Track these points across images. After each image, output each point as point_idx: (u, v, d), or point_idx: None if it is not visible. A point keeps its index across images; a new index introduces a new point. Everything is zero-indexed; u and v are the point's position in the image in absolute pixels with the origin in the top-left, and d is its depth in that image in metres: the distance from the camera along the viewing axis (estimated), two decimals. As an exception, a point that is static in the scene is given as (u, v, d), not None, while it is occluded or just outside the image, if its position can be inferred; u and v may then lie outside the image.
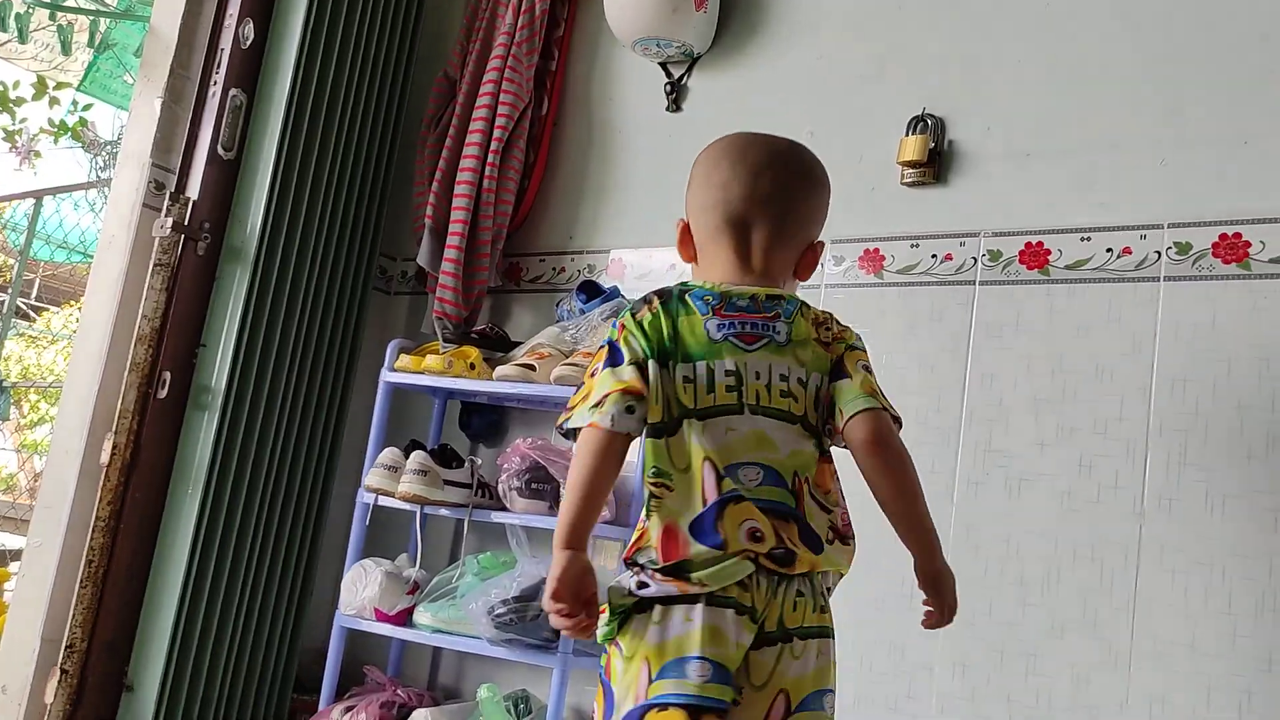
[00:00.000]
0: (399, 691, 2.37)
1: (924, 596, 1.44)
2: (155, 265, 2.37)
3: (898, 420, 1.40)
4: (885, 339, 2.16)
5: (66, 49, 4.50)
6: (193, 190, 2.44)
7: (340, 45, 2.58)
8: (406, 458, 2.37)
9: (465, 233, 2.56)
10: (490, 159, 2.58)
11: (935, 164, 2.16)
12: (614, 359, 1.37)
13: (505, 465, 2.32)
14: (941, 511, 2.03)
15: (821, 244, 1.51)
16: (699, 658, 1.25)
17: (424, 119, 2.80)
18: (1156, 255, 1.94)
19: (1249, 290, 1.85)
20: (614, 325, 1.41)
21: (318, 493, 2.60)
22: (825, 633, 1.32)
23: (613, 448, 1.34)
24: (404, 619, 2.33)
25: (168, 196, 2.40)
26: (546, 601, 1.30)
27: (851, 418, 1.35)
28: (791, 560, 1.29)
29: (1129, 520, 1.88)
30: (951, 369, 2.09)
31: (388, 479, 2.36)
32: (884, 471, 1.36)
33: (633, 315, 1.41)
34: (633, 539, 1.35)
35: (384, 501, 2.39)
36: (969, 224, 2.13)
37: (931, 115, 2.19)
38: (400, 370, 2.48)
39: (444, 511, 2.37)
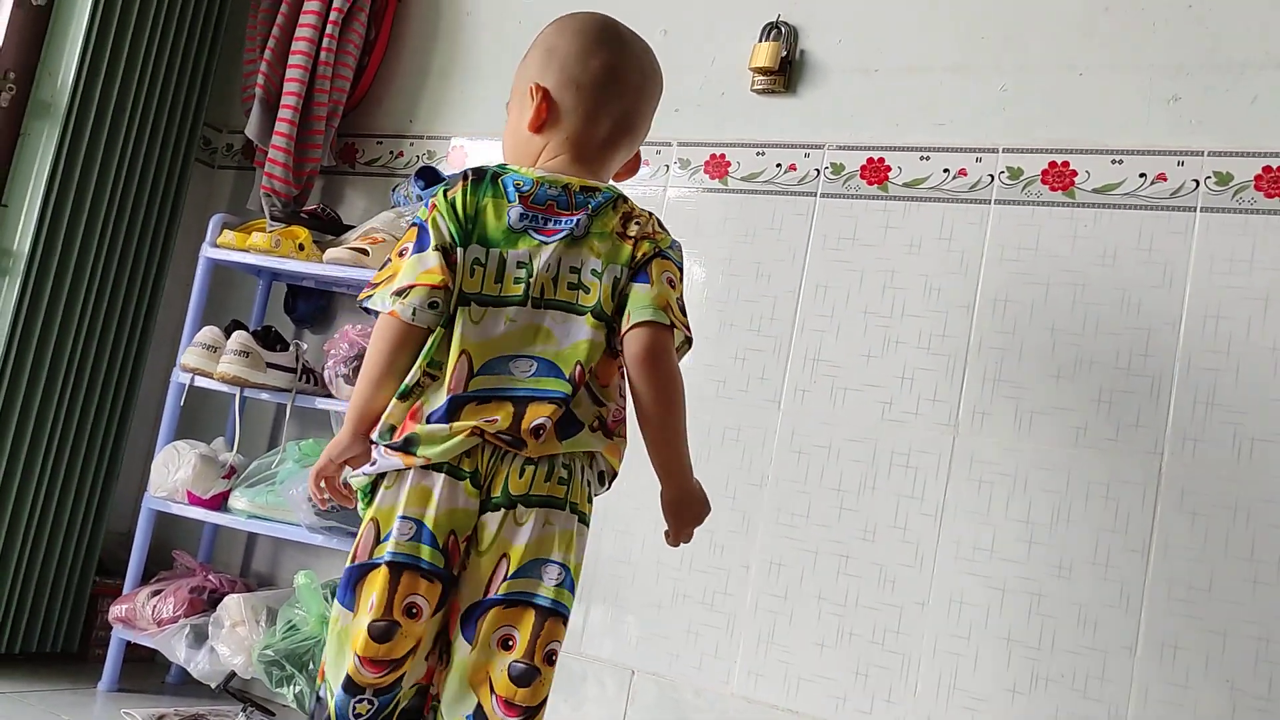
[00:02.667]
0: (210, 577, 2.30)
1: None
2: (-49, 114, 2.18)
3: (689, 340, 1.38)
4: (725, 245, 2.18)
5: None
6: (-4, 35, 2.25)
7: (169, -110, 2.40)
8: (227, 338, 2.27)
9: (298, 106, 2.44)
10: (329, 30, 2.46)
11: (786, 73, 2.17)
12: (421, 243, 1.35)
13: (332, 351, 2.25)
14: (768, 417, 2.08)
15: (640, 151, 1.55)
16: (403, 517, 1.28)
17: (259, -20, 2.64)
18: (990, 178, 2.00)
19: (1071, 218, 1.93)
20: (426, 203, 1.39)
21: (128, 370, 2.48)
22: (554, 503, 1.31)
23: (410, 338, 1.34)
24: (218, 504, 2.26)
25: (-33, 40, 2.20)
26: (314, 471, 1.40)
27: (632, 327, 1.34)
28: (520, 446, 1.29)
29: (944, 432, 1.96)
30: (787, 278, 2.12)
31: (206, 359, 2.26)
32: (648, 389, 1.35)
33: (445, 193, 1.38)
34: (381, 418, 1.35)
35: (201, 382, 2.29)
36: (814, 136, 2.15)
37: (786, 23, 2.18)
38: (223, 246, 2.36)
39: (265, 396, 2.29)
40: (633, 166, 1.53)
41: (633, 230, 1.38)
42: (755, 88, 2.19)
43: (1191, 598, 1.75)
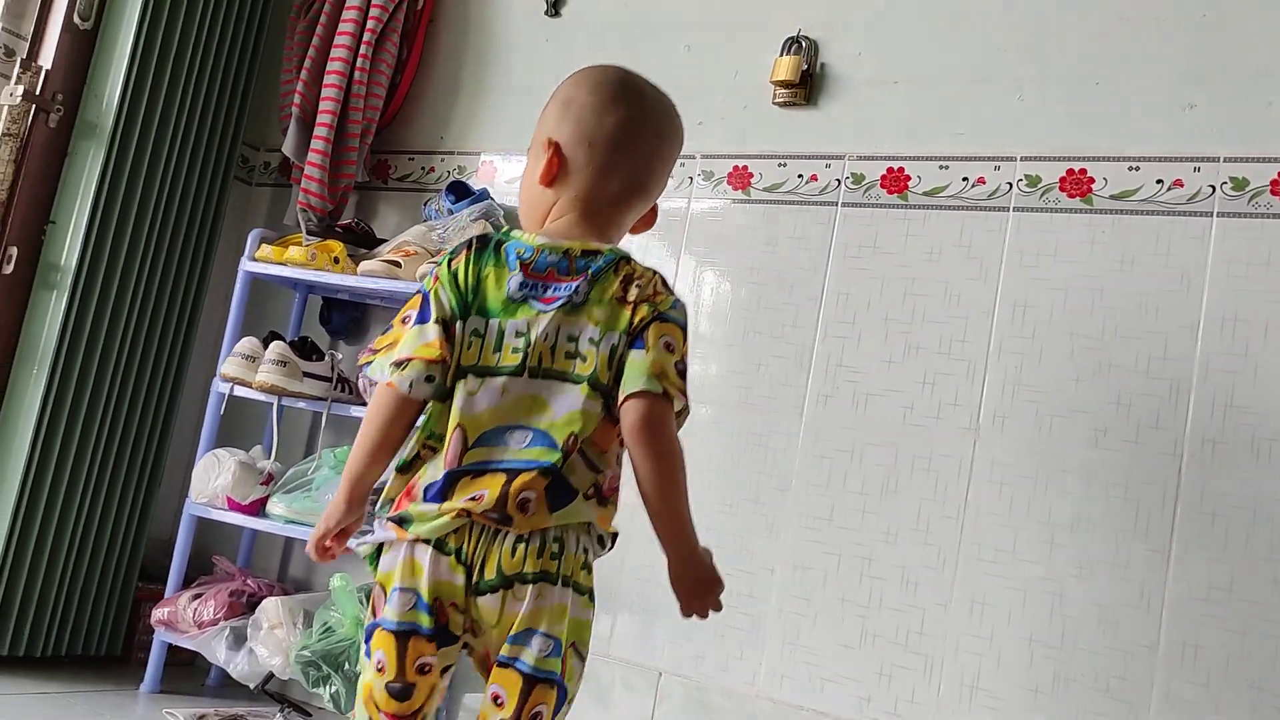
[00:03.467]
0: (248, 581, 2.36)
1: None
2: (3, 135, 2.27)
3: (686, 409, 1.34)
4: (749, 255, 2.22)
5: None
6: (46, 59, 2.34)
7: (209, -82, 2.49)
8: (265, 348, 2.34)
9: (333, 124, 2.51)
10: (363, 50, 2.53)
11: (807, 85, 2.21)
12: (423, 314, 1.35)
13: (366, 361, 2.31)
14: (791, 423, 2.12)
15: (657, 205, 1.51)
16: (399, 589, 1.30)
17: (294, 3, 2.71)
18: (1008, 186, 2.03)
19: (1089, 224, 1.96)
20: (431, 273, 1.39)
21: (170, 380, 2.55)
22: (548, 578, 1.30)
23: (406, 410, 1.35)
24: (256, 509, 2.32)
25: (18, 64, 2.29)
26: (313, 537, 1.41)
27: (627, 398, 1.30)
28: (507, 523, 1.28)
29: (964, 435, 1.99)
30: (809, 287, 2.16)
31: (245, 368, 2.33)
32: (645, 460, 1.31)
33: (449, 263, 1.37)
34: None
35: (240, 391, 2.36)
36: (835, 146, 2.19)
37: (806, 37, 2.23)
38: (261, 260, 2.43)
39: (301, 404, 2.35)
40: (649, 220, 1.49)
41: (632, 294, 1.34)
42: (776, 100, 2.23)
43: (1212, 597, 1.77)
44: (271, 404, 2.36)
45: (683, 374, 1.34)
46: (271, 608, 2.21)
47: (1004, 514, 1.93)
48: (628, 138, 1.41)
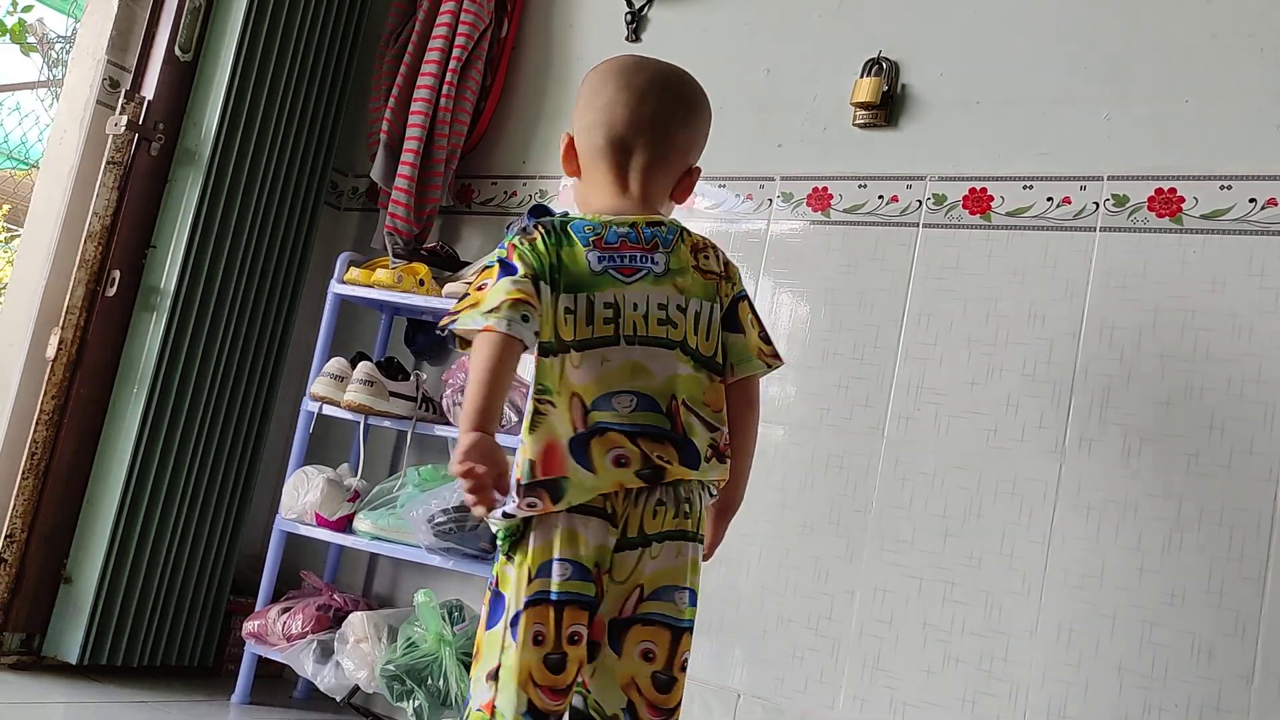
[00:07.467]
0: (335, 596, 2.41)
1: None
2: (108, 163, 2.36)
3: (778, 357, 1.54)
4: (828, 276, 2.22)
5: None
6: (148, 90, 2.43)
7: (303, -48, 2.57)
8: (353, 368, 2.39)
9: (420, 150, 2.57)
10: (449, 78, 2.59)
11: (888, 107, 2.21)
12: (508, 271, 1.39)
13: (450, 381, 2.35)
14: (872, 444, 2.11)
15: (699, 169, 1.57)
16: (558, 559, 1.37)
17: (383, 33, 2.79)
18: (1094, 206, 2.01)
19: (1179, 244, 1.93)
20: (500, 247, 1.45)
21: (262, 399, 2.62)
22: (684, 536, 1.42)
23: (509, 350, 1.36)
24: (344, 526, 2.37)
25: (122, 95, 2.39)
26: (455, 467, 1.32)
27: (740, 379, 1.51)
28: (661, 474, 1.38)
29: (1050, 459, 1.96)
30: (890, 307, 2.15)
31: (333, 388, 2.38)
32: (747, 426, 1.54)
33: (521, 239, 1.43)
34: (516, 462, 1.38)
35: (329, 410, 2.41)
36: (916, 167, 2.18)
37: (887, 59, 2.23)
38: (349, 283, 2.49)
39: (387, 423, 2.40)
40: (687, 187, 1.58)
41: (706, 265, 1.49)
42: (857, 122, 2.23)
43: (1310, 628, 1.72)
44: (359, 422, 2.41)
45: (768, 339, 1.54)
46: (357, 622, 2.26)
47: (1091, 539, 1.90)
48: (627, 114, 1.50)
